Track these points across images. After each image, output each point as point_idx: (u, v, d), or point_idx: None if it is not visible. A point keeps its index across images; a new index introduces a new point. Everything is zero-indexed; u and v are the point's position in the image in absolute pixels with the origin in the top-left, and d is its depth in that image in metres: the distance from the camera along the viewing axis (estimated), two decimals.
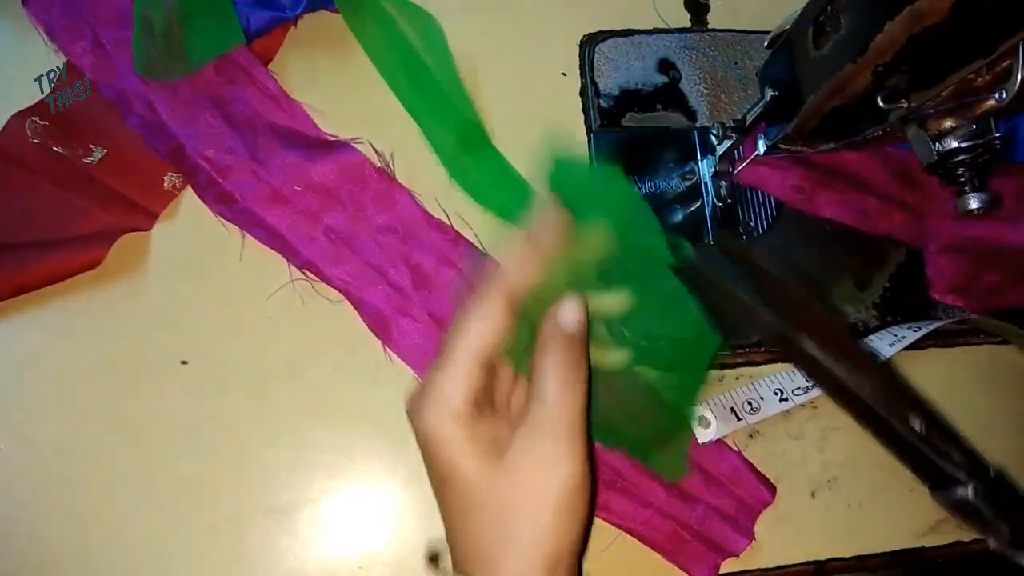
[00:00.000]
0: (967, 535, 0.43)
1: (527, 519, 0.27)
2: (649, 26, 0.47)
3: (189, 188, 0.41)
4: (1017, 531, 0.29)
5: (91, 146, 0.40)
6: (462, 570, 0.29)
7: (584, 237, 0.30)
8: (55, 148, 0.40)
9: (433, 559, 0.31)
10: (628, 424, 0.36)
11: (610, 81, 0.45)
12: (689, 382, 0.37)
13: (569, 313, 0.29)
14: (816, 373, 0.28)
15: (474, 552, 0.29)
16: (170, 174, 0.41)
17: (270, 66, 0.42)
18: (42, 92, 0.41)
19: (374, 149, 0.42)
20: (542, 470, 0.27)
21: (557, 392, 0.28)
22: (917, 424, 0.27)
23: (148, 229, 0.40)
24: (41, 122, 0.40)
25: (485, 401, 0.29)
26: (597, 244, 0.30)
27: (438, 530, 0.39)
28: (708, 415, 0.40)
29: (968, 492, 0.27)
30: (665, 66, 0.46)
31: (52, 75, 0.41)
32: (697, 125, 0.45)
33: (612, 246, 0.30)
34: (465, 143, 0.42)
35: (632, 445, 0.38)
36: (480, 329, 0.28)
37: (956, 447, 0.27)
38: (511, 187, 0.42)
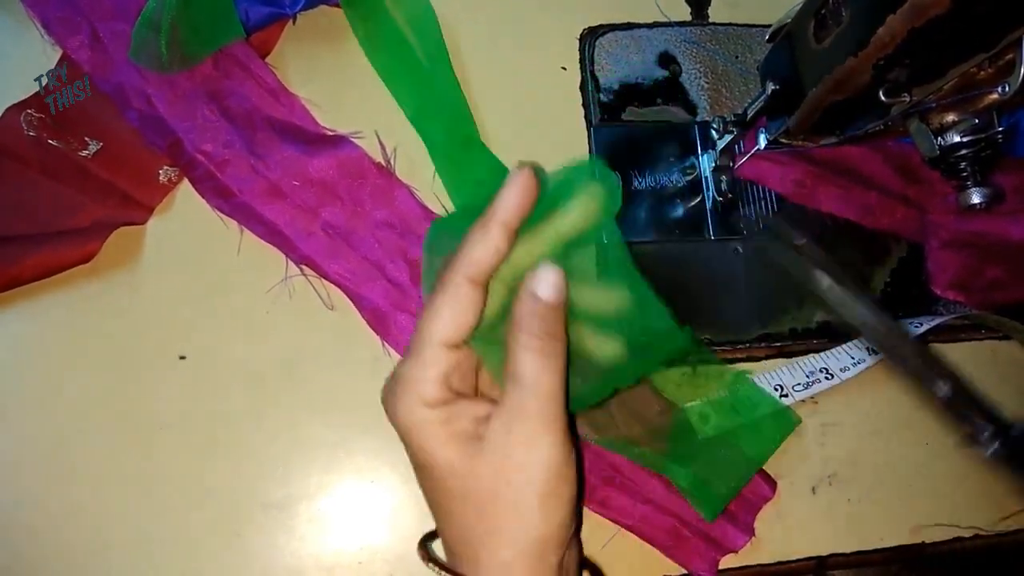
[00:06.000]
0: (967, 531, 0.43)
1: (509, 506, 0.26)
2: (649, 20, 0.46)
3: (184, 182, 0.40)
4: None
5: (86, 139, 0.40)
6: (451, 559, 0.29)
7: (566, 211, 0.28)
8: (50, 141, 0.40)
9: (423, 544, 0.30)
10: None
11: (610, 75, 0.45)
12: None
13: (544, 281, 0.27)
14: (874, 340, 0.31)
15: (459, 543, 0.28)
16: (165, 168, 0.40)
17: (267, 60, 0.42)
18: (41, 90, 0.41)
19: (379, 142, 0.42)
20: (522, 453, 0.26)
21: (534, 369, 0.26)
22: (943, 390, 0.30)
23: (143, 223, 0.40)
24: (37, 115, 0.40)
25: (463, 385, 0.28)
26: (580, 217, 0.28)
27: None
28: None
29: (989, 452, 0.30)
30: (666, 60, 0.46)
31: (52, 75, 0.41)
32: (698, 119, 0.45)
33: (595, 221, 0.28)
34: (455, 139, 0.41)
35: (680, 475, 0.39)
36: (446, 312, 0.27)
37: (979, 411, 0.30)
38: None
